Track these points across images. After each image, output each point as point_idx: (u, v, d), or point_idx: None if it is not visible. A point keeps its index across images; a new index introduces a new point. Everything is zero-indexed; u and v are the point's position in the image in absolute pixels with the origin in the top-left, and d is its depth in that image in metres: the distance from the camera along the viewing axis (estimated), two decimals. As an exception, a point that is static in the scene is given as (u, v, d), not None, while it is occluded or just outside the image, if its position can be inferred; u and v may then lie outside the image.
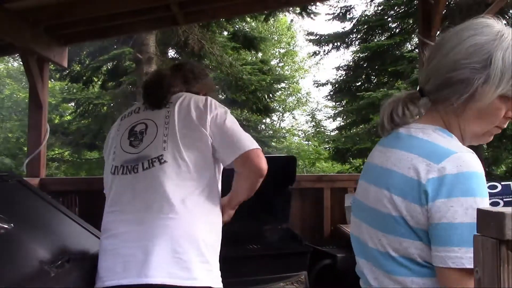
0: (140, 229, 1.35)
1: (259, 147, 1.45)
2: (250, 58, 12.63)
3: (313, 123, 20.38)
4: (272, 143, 13.04)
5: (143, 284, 1.28)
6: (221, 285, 1.41)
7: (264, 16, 9.86)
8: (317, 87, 13.06)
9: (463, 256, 0.83)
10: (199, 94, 1.63)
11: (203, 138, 1.43)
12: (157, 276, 1.28)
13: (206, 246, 1.36)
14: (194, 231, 1.35)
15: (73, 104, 11.01)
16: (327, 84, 12.23)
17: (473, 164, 0.88)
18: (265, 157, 1.47)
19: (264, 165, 1.44)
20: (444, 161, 0.88)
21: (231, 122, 1.48)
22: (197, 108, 1.48)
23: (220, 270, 1.45)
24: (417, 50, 8.43)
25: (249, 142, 1.43)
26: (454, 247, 0.84)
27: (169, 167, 1.39)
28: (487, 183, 0.90)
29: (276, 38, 20.03)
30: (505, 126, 1.02)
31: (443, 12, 3.68)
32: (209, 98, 1.53)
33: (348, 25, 11.60)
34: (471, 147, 0.99)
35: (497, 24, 0.96)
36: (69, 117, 11.90)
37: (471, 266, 0.77)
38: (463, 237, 0.83)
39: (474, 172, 0.87)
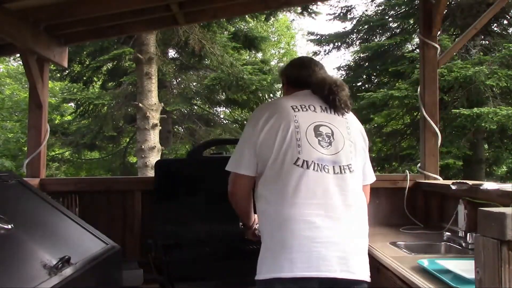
0: (340, 226, 1.47)
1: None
2: (250, 58, 12.62)
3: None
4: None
5: (347, 279, 1.41)
6: None
7: (264, 16, 9.85)
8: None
9: None
10: None
11: (363, 160, 1.67)
12: (359, 272, 1.44)
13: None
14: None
15: (73, 104, 11.00)
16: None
17: None
18: None
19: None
20: None
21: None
22: (363, 133, 1.69)
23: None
24: (418, 50, 8.42)
25: None
26: None
27: (357, 177, 1.57)
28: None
29: (276, 38, 19.99)
30: None
31: (444, 12, 3.68)
32: None
33: (348, 25, 11.60)
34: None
35: None
36: (69, 117, 11.87)
37: None
38: None
39: None
